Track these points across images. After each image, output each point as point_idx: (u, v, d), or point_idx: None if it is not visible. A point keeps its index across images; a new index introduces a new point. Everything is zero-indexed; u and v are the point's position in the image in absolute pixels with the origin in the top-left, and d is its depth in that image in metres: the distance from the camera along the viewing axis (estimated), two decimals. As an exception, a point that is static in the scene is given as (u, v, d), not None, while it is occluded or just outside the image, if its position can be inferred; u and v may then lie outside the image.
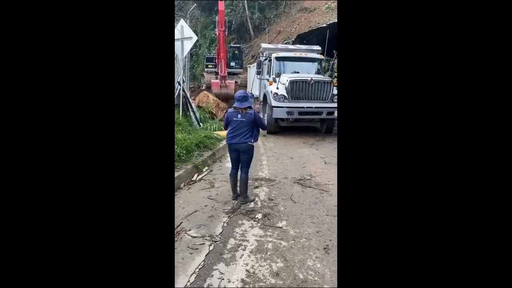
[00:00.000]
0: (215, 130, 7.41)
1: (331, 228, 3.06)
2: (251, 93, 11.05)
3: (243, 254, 2.59)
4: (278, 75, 8.32)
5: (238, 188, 3.83)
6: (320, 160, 5.80)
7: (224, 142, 6.19)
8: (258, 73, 9.24)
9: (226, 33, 14.75)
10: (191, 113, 7.51)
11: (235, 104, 3.69)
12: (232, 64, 16.96)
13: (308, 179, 4.63)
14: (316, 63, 9.11)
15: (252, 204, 3.68)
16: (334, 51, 8.97)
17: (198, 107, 9.88)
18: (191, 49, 7.92)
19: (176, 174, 4.26)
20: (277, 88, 7.88)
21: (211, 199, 3.86)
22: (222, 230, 3.03)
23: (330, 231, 3.00)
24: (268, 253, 2.61)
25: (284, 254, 2.59)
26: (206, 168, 5.08)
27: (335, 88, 7.97)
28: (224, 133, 6.45)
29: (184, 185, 4.30)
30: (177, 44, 6.35)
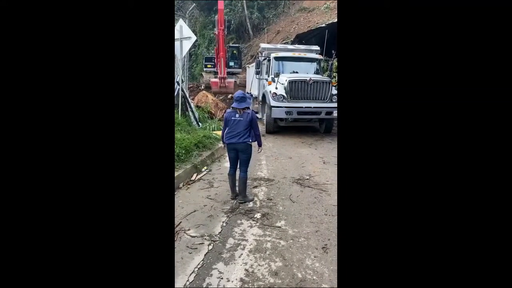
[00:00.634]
0: (214, 130, 7.42)
1: (330, 228, 3.08)
2: (250, 93, 11.08)
3: (242, 254, 2.60)
4: (277, 75, 8.33)
5: (237, 188, 3.84)
6: (319, 160, 5.81)
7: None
8: (257, 73, 9.25)
9: (226, 32, 14.83)
10: (190, 113, 7.51)
11: (233, 105, 3.73)
12: (231, 64, 16.99)
13: (307, 179, 4.64)
14: (315, 63, 9.12)
15: (251, 204, 3.69)
16: (333, 51, 8.99)
17: (197, 107, 9.87)
18: (190, 48, 7.91)
19: (175, 174, 4.26)
20: (276, 88, 7.89)
21: (210, 199, 3.87)
22: (221, 230, 3.04)
23: (328, 231, 3.02)
24: (267, 252, 2.63)
25: (282, 254, 2.60)
26: (205, 168, 5.09)
27: (334, 88, 7.99)
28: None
29: (183, 185, 4.31)
30: (176, 44, 6.34)
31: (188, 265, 2.43)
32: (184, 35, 6.29)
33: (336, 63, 10.22)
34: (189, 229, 3.04)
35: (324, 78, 8.28)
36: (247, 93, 11.22)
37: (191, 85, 17.71)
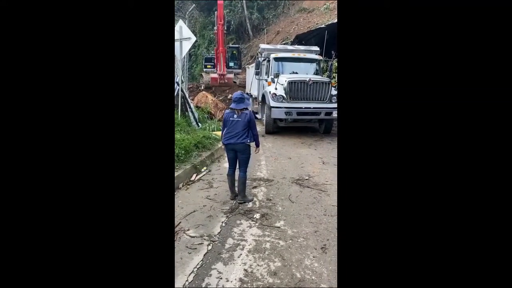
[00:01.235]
0: (214, 131, 7.42)
1: (329, 228, 3.08)
2: (250, 94, 11.09)
3: (241, 254, 2.61)
4: (277, 75, 8.35)
5: (236, 188, 3.85)
6: (318, 160, 5.82)
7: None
8: (257, 73, 9.27)
9: (225, 27, 14.95)
10: (190, 113, 7.52)
11: (232, 105, 3.74)
12: (231, 64, 17.01)
13: (306, 179, 4.65)
14: (315, 64, 9.13)
15: (250, 204, 3.70)
16: (333, 52, 9.00)
17: (197, 107, 9.88)
18: (190, 49, 7.92)
19: (175, 175, 4.27)
20: (276, 89, 7.91)
21: (210, 199, 3.88)
22: (221, 230, 3.05)
23: (327, 231, 3.03)
24: (266, 252, 2.63)
25: (282, 254, 2.61)
26: (205, 168, 5.09)
27: (333, 88, 8.00)
28: (222, 133, 6.48)
29: (182, 185, 4.31)
30: (176, 45, 6.35)
31: (188, 265, 2.43)
32: (184, 36, 6.30)
33: (336, 64, 10.23)
34: (188, 229, 3.04)
35: (324, 78, 8.30)
36: (247, 93, 11.27)
37: (191, 86, 17.72)
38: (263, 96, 8.66)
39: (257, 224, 3.17)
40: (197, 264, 2.45)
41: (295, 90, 7.77)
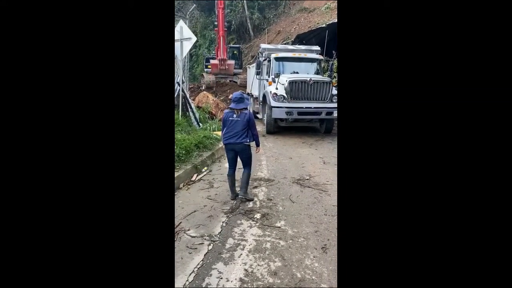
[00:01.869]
0: (215, 131, 7.43)
1: (329, 228, 3.08)
2: (250, 94, 11.09)
3: (241, 254, 2.61)
4: (277, 75, 8.34)
5: (236, 188, 3.85)
6: (319, 160, 5.82)
7: (224, 142, 6.24)
8: (258, 73, 9.26)
9: (225, 12, 14.91)
10: (191, 114, 7.52)
11: (231, 105, 3.77)
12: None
13: (307, 179, 4.65)
14: (315, 64, 9.13)
15: (251, 204, 3.70)
16: (334, 51, 8.99)
17: (198, 107, 9.88)
18: (191, 49, 7.94)
19: (176, 175, 4.27)
20: (276, 89, 7.90)
21: (210, 199, 3.88)
22: (221, 230, 3.05)
23: (328, 231, 3.02)
24: (267, 252, 2.63)
25: (282, 254, 2.61)
26: (205, 168, 5.10)
27: (334, 88, 7.99)
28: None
29: (183, 186, 4.32)
30: (177, 45, 6.36)
31: (188, 265, 2.44)
32: (185, 36, 6.31)
33: (337, 63, 10.22)
34: (189, 229, 3.05)
35: (325, 78, 8.29)
36: (247, 93, 11.27)
37: (192, 86, 17.73)
38: (264, 96, 8.66)
39: (257, 224, 3.17)
40: (198, 264, 2.45)
41: (296, 90, 7.76)
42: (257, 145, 3.99)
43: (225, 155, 3.96)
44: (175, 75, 7.45)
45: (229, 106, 3.83)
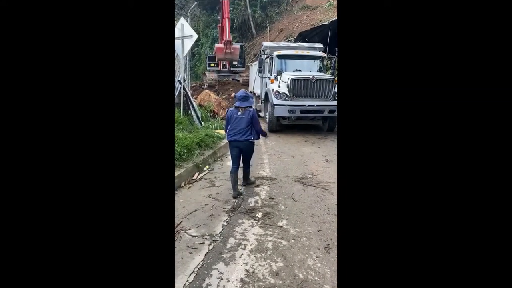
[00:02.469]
0: (217, 129, 7.39)
1: (332, 227, 3.03)
2: (253, 92, 11.03)
3: (242, 254, 2.57)
4: (280, 73, 8.27)
5: (239, 186, 3.84)
6: (322, 158, 5.76)
7: (225, 140, 6.20)
8: (260, 71, 9.18)
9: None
10: (192, 112, 7.47)
11: (236, 103, 3.91)
12: (235, 62, 16.93)
13: (310, 178, 4.59)
14: (318, 61, 9.04)
15: (252, 203, 3.66)
16: (336, 49, 8.90)
17: (200, 106, 9.85)
18: (193, 48, 7.91)
19: (177, 173, 4.24)
20: (279, 86, 7.83)
21: (212, 198, 3.84)
22: (222, 229, 3.01)
23: (331, 230, 2.97)
24: (268, 252, 2.59)
25: (284, 254, 2.56)
26: (207, 167, 5.06)
27: (337, 86, 7.91)
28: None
29: (184, 184, 4.28)
30: (178, 43, 6.31)
31: (188, 265, 2.40)
32: (186, 34, 6.25)
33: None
34: (189, 229, 3.01)
35: (327, 76, 8.20)
36: (250, 92, 11.21)
37: (194, 84, 17.69)
38: (266, 94, 8.59)
39: (259, 223, 3.13)
40: (198, 264, 2.41)
41: (298, 87, 7.69)
42: (264, 135, 4.23)
43: (227, 153, 4.08)
44: (177, 73, 7.41)
45: (234, 104, 3.95)
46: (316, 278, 2.25)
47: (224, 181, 4.42)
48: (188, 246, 2.67)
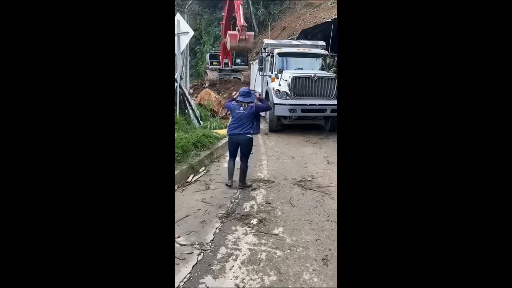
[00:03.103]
0: (215, 129, 7.19)
1: (331, 236, 2.82)
2: (254, 90, 10.82)
3: (233, 266, 2.37)
4: (281, 71, 8.03)
5: (234, 191, 3.64)
6: (322, 160, 5.54)
7: (224, 140, 6.00)
8: (260, 69, 8.98)
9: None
10: (190, 111, 7.27)
11: (239, 98, 4.05)
12: (238, 61, 16.74)
13: (309, 181, 4.38)
14: (320, 59, 8.79)
15: (248, 208, 3.46)
16: (338, 48, 8.64)
17: (200, 104, 9.66)
18: (195, 46, 7.70)
19: (170, 176, 4.05)
20: (279, 85, 7.61)
21: (205, 202, 3.64)
22: (214, 237, 2.81)
23: (329, 239, 2.77)
24: (261, 264, 2.39)
25: (278, 266, 2.36)
26: (203, 168, 4.86)
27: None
28: (224, 131, 6.25)
29: (178, 187, 4.10)
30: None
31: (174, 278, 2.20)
32: (182, 30, 6.05)
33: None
34: (179, 237, 2.82)
35: (330, 74, 7.97)
36: (252, 90, 10.98)
37: (196, 83, 17.53)
38: (267, 93, 8.37)
39: (253, 231, 2.93)
40: (184, 278, 2.22)
41: (300, 86, 7.47)
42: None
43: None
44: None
45: (237, 99, 4.08)
46: (312, 295, 2.04)
47: (219, 184, 4.23)
48: (175, 257, 2.48)
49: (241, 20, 12.50)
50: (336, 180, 4.32)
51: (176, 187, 4.08)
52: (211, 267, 2.35)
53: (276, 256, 2.50)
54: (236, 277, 2.22)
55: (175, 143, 4.80)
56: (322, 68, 8.65)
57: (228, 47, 13.64)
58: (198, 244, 2.69)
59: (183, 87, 7.28)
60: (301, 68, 8.27)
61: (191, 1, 19.11)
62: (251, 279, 2.20)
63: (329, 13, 16.63)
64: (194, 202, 3.63)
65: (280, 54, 8.56)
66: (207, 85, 15.44)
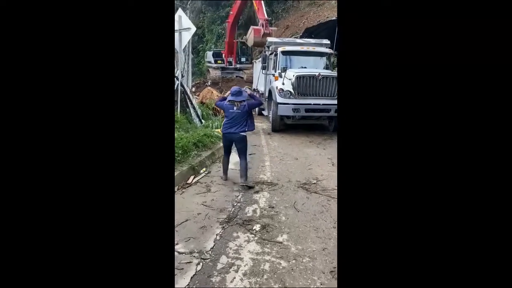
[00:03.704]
0: (217, 128, 7.02)
1: (339, 245, 2.65)
2: (256, 89, 10.65)
3: (234, 277, 2.20)
4: (284, 70, 7.85)
5: (236, 192, 3.48)
6: (327, 161, 5.37)
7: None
8: (264, 68, 8.81)
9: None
10: (191, 110, 7.09)
11: (231, 98, 4.06)
12: (243, 59, 16.59)
13: (314, 183, 4.21)
14: (325, 58, 8.61)
15: (250, 213, 3.29)
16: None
17: (202, 103, 9.49)
18: (198, 44, 7.53)
19: (169, 177, 3.89)
20: (283, 84, 7.42)
21: (206, 205, 3.48)
22: (214, 245, 2.65)
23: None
24: (264, 276, 2.22)
25: (283, 278, 2.19)
26: (204, 169, 4.70)
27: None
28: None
29: (178, 189, 3.93)
30: (175, 36, 5.93)
31: (170, 291, 2.04)
32: (184, 26, 5.87)
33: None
34: (177, 243, 2.65)
35: (334, 73, 7.77)
36: (253, 89, 10.82)
37: (198, 81, 17.37)
38: (270, 92, 8.20)
39: (256, 238, 2.76)
40: (181, 291, 2.05)
41: (303, 85, 7.29)
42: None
43: None
44: (175, 69, 7.05)
45: (228, 99, 4.11)
46: (320, 313, 1.87)
47: (221, 186, 4.07)
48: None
49: (264, 15, 12.30)
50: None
51: (175, 189, 3.92)
52: (211, 278, 2.19)
53: (281, 267, 2.33)
54: (238, 291, 2.05)
55: (176, 143, 4.64)
56: (326, 67, 8.47)
57: (251, 42, 13.25)
58: (197, 252, 2.52)
59: (185, 85, 7.10)
60: (305, 67, 8.09)
61: (193, -1, 18.93)
62: (253, 293, 2.04)
63: (332, 11, 16.41)
64: (194, 206, 3.46)
65: (283, 53, 8.38)
66: (209, 83, 15.28)
